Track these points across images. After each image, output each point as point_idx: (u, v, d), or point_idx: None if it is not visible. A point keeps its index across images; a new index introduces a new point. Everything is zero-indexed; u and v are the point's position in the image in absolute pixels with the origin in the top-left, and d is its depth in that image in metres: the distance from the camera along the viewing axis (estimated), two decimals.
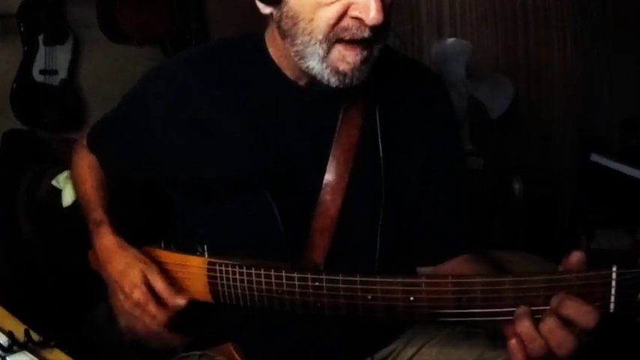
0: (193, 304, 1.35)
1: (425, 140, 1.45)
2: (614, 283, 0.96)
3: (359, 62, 1.22)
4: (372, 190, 1.38)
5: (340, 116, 1.38)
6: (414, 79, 1.51)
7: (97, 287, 1.51)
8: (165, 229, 1.50)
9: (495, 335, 1.42)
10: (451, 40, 3.87)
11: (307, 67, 1.25)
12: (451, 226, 1.48)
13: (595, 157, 3.28)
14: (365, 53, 1.22)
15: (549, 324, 1.01)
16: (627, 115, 3.99)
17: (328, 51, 1.22)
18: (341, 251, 1.35)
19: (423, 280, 1.11)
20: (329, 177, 1.36)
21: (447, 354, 1.44)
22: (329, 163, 1.37)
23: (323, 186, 1.36)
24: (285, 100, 1.38)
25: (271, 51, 1.39)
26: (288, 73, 1.37)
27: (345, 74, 1.23)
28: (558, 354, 1.01)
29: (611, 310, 0.97)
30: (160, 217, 1.53)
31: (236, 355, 1.41)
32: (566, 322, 1.00)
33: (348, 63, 1.22)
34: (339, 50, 1.22)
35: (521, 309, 1.03)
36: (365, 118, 1.39)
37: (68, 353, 1.22)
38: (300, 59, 1.25)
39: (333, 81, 1.24)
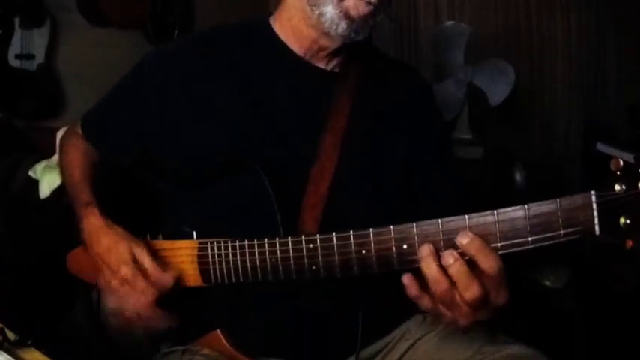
0: (181, 291, 1.40)
1: (410, 127, 1.58)
2: (595, 206, 1.04)
3: (367, 13, 1.41)
4: (360, 170, 1.50)
5: (332, 101, 1.50)
6: (399, 73, 1.69)
7: (74, 285, 1.51)
8: (152, 227, 1.51)
9: (494, 330, 1.43)
10: (449, 23, 3.87)
11: (320, 14, 1.42)
12: (445, 202, 1.56)
13: (601, 147, 3.29)
14: (371, 7, 1.41)
15: (457, 265, 1.10)
16: (634, 102, 4.00)
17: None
18: (332, 228, 1.36)
19: (414, 226, 1.17)
20: (319, 157, 1.47)
21: (443, 348, 1.47)
22: (320, 141, 1.48)
23: (314, 164, 1.46)
24: (282, 78, 1.51)
25: (276, 27, 1.55)
26: (290, 42, 1.53)
27: (353, 20, 1.41)
28: (465, 298, 1.10)
29: (597, 233, 1.05)
30: (147, 215, 1.54)
31: (224, 341, 1.43)
32: (472, 266, 1.09)
33: (358, 11, 1.40)
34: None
35: (425, 249, 1.13)
36: (354, 104, 1.51)
37: (45, 353, 1.22)
38: (313, 6, 1.43)
39: (343, 25, 1.42)
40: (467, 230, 1.11)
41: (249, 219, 1.39)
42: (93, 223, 1.47)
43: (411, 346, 1.51)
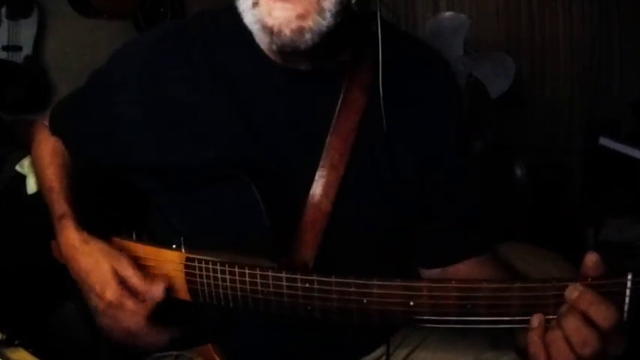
0: (173, 301, 1.34)
1: (428, 129, 1.40)
2: (628, 292, 0.98)
3: (292, 18, 1.16)
4: (370, 183, 1.35)
5: (340, 99, 1.34)
6: (418, 59, 1.47)
7: (63, 283, 1.50)
8: (139, 219, 1.49)
9: (495, 335, 1.43)
10: (448, 14, 3.87)
11: (247, 23, 1.22)
12: (460, 225, 1.45)
13: (604, 141, 3.29)
14: (299, 9, 1.16)
15: (572, 321, 1.01)
16: (638, 95, 4.00)
17: (256, 3, 1.19)
18: (333, 250, 1.32)
19: (425, 284, 1.10)
20: (322, 167, 1.32)
21: (442, 355, 1.44)
22: (324, 151, 1.33)
23: (315, 177, 1.32)
24: (272, 79, 1.34)
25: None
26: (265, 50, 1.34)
27: (273, 31, 1.17)
28: (582, 355, 1.01)
29: (624, 319, 0.99)
30: (132, 205, 1.52)
31: (215, 357, 1.40)
32: (586, 319, 1.00)
33: (275, 18, 1.16)
34: (267, 3, 1.17)
35: (537, 319, 1.04)
36: (367, 101, 1.35)
37: (33, 353, 1.22)
38: (241, 12, 1.22)
39: (264, 39, 1.20)
40: (576, 284, 1.02)
41: (240, 234, 1.29)
42: (68, 239, 1.40)
43: (410, 353, 1.48)
